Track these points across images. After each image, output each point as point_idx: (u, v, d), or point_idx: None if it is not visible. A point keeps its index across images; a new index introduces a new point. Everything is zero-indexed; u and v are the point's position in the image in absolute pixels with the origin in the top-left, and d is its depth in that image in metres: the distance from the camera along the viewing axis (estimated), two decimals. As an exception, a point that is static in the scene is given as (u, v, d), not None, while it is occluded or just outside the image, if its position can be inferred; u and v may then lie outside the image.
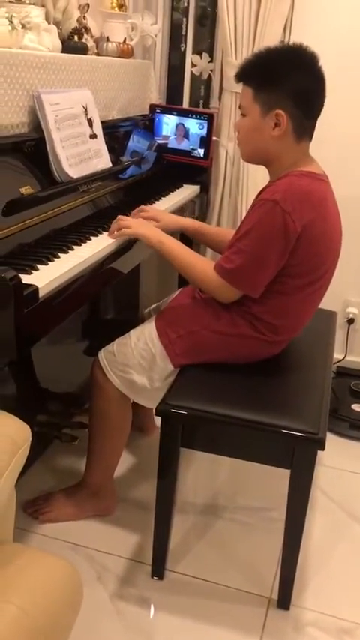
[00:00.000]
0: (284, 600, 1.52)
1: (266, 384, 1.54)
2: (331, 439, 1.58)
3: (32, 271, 1.26)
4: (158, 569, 1.57)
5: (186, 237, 1.87)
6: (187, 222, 1.81)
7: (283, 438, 1.38)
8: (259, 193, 1.50)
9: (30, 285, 1.17)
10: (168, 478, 1.48)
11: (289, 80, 1.41)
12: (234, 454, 1.50)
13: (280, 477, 1.44)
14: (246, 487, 1.94)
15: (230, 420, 1.40)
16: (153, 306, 1.96)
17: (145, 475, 1.92)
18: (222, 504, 1.87)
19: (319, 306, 1.61)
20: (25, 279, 1.18)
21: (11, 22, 1.56)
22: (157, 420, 1.49)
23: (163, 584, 1.57)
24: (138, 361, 1.58)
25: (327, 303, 1.66)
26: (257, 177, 2.31)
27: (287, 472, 1.41)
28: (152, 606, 1.51)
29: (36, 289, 1.18)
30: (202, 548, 1.69)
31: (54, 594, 1.04)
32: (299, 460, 1.39)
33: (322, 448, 1.36)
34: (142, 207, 1.76)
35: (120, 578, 1.57)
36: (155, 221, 1.70)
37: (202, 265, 1.53)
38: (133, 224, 1.57)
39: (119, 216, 1.60)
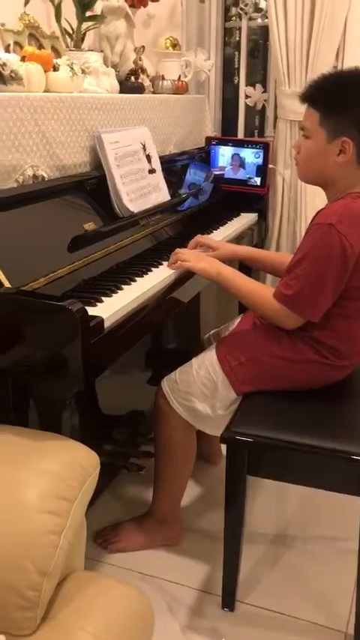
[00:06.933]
0: (361, 635, 1.46)
1: (332, 409, 1.51)
2: None
3: (97, 303, 1.31)
4: (229, 601, 1.55)
5: (245, 265, 1.88)
6: (243, 250, 1.83)
7: (353, 464, 1.35)
8: (314, 217, 1.50)
9: (96, 316, 1.21)
10: (236, 506, 1.47)
11: (358, 107, 1.40)
12: (302, 482, 1.48)
13: (352, 505, 1.40)
14: (316, 516, 1.90)
15: (297, 447, 1.38)
16: (213, 331, 1.97)
17: (212, 505, 1.91)
18: (292, 534, 1.83)
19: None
20: (91, 311, 1.22)
21: (72, 68, 1.65)
22: (223, 449, 1.49)
23: (234, 615, 1.54)
24: (200, 389, 1.59)
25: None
26: (316, 201, 2.31)
27: (358, 500, 1.38)
28: (224, 638, 1.48)
29: (101, 320, 1.22)
30: (273, 579, 1.66)
31: (127, 623, 1.04)
32: (370, 487, 1.35)
33: (394, 474, 1.32)
34: (198, 236, 1.78)
35: (190, 609, 1.56)
36: (212, 249, 1.72)
37: (262, 292, 1.53)
38: (191, 258, 1.59)
39: (177, 249, 1.63)
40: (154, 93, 2.21)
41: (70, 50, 1.87)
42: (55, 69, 1.63)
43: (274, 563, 1.71)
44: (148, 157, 1.86)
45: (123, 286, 1.43)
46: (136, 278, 1.49)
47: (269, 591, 1.61)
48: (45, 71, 1.59)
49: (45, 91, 1.59)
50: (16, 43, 1.67)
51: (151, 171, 1.86)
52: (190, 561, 1.71)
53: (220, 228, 2.10)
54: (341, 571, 1.66)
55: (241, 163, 2.40)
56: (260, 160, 2.37)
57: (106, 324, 1.24)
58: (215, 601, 1.57)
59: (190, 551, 1.74)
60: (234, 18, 2.69)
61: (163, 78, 2.25)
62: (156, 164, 1.90)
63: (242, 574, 1.57)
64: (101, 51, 2.01)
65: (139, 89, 2.05)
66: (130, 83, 2.04)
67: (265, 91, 2.61)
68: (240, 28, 2.63)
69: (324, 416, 1.48)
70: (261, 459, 1.45)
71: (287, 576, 1.67)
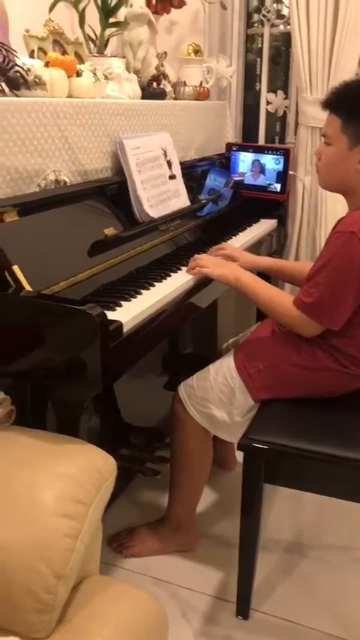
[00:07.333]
0: (376, 647, 1.45)
1: (351, 417, 1.50)
2: None
3: (116, 308, 1.31)
4: (243, 609, 1.54)
5: (264, 273, 1.87)
6: (263, 261, 1.82)
7: (370, 474, 1.34)
8: (335, 225, 1.49)
9: (115, 321, 1.22)
10: (252, 514, 1.46)
11: None
12: (318, 490, 1.46)
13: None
14: (331, 525, 1.88)
15: (314, 456, 1.37)
16: (231, 340, 1.96)
17: (227, 511, 1.90)
18: (307, 543, 1.82)
19: None
20: (110, 315, 1.23)
21: (95, 74, 1.66)
22: (239, 455, 1.48)
23: (248, 624, 1.53)
24: (217, 395, 1.58)
25: None
26: (336, 207, 2.30)
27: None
28: (237, 647, 1.48)
29: (120, 325, 1.22)
30: (287, 587, 1.65)
31: (141, 629, 1.04)
32: (388, 498, 1.34)
33: None
34: (221, 245, 1.78)
35: (204, 615, 1.55)
36: (234, 260, 1.71)
37: (281, 299, 1.52)
38: (210, 264, 1.59)
39: (196, 255, 1.63)
40: (175, 99, 2.22)
41: (93, 56, 1.88)
42: (78, 75, 1.64)
43: (289, 572, 1.70)
44: (169, 163, 1.87)
45: (142, 291, 1.43)
46: (155, 283, 1.50)
47: (284, 600, 1.60)
48: (68, 77, 1.60)
49: (68, 97, 1.60)
50: (40, 49, 1.68)
51: (172, 177, 1.87)
52: (204, 567, 1.71)
53: (240, 234, 2.10)
54: (357, 580, 1.65)
55: (262, 169, 2.40)
56: (280, 167, 2.37)
57: (125, 329, 1.24)
58: (229, 608, 1.56)
59: (205, 558, 1.73)
60: (256, 24, 2.69)
61: (184, 84, 2.25)
62: (176, 170, 1.90)
63: (257, 582, 1.56)
64: (124, 57, 2.02)
65: (160, 95, 2.06)
66: (152, 89, 2.05)
67: (286, 98, 2.61)
68: (262, 35, 2.63)
69: (342, 424, 1.47)
70: (278, 467, 1.44)
71: (302, 585, 1.65)
